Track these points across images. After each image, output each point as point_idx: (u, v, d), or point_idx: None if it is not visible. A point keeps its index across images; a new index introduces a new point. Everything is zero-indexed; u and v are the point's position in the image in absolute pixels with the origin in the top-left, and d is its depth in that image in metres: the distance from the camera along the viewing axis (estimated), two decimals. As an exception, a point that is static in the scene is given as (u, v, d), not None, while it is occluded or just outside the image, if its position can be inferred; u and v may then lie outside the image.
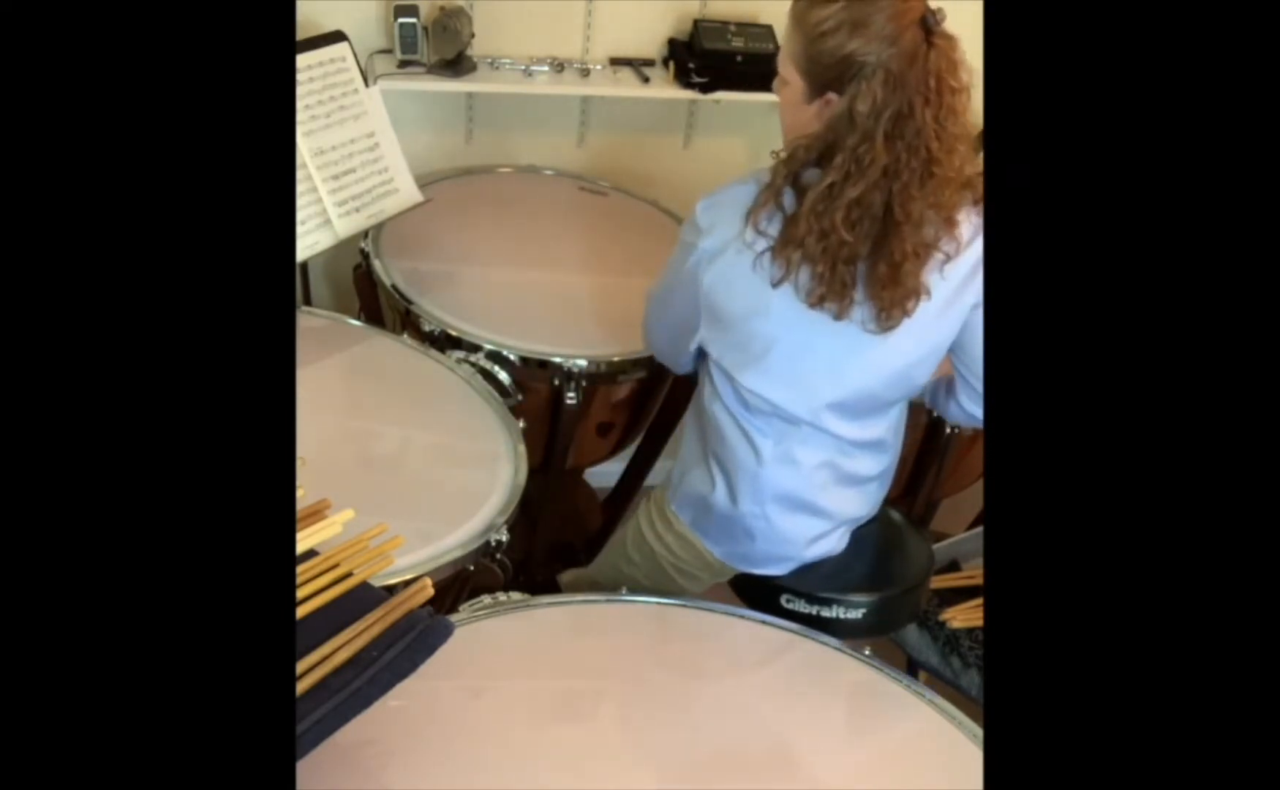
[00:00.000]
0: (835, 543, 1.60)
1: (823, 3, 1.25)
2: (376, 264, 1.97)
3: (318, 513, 1.29)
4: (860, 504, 1.60)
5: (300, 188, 1.79)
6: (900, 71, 1.23)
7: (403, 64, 2.14)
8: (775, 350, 1.39)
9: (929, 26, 1.24)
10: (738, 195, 1.35)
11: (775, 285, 1.32)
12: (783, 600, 1.57)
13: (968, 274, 1.37)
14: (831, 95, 1.27)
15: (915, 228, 1.28)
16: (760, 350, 1.40)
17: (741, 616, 1.48)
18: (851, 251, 1.28)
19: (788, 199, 1.30)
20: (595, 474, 2.41)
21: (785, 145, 1.36)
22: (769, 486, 1.50)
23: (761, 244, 1.32)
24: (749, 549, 1.56)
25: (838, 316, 1.33)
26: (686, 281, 1.43)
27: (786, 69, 1.33)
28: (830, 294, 1.31)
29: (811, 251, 1.29)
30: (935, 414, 1.92)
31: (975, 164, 1.33)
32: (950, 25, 1.27)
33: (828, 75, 1.27)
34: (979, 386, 1.49)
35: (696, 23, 2.25)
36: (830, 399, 1.43)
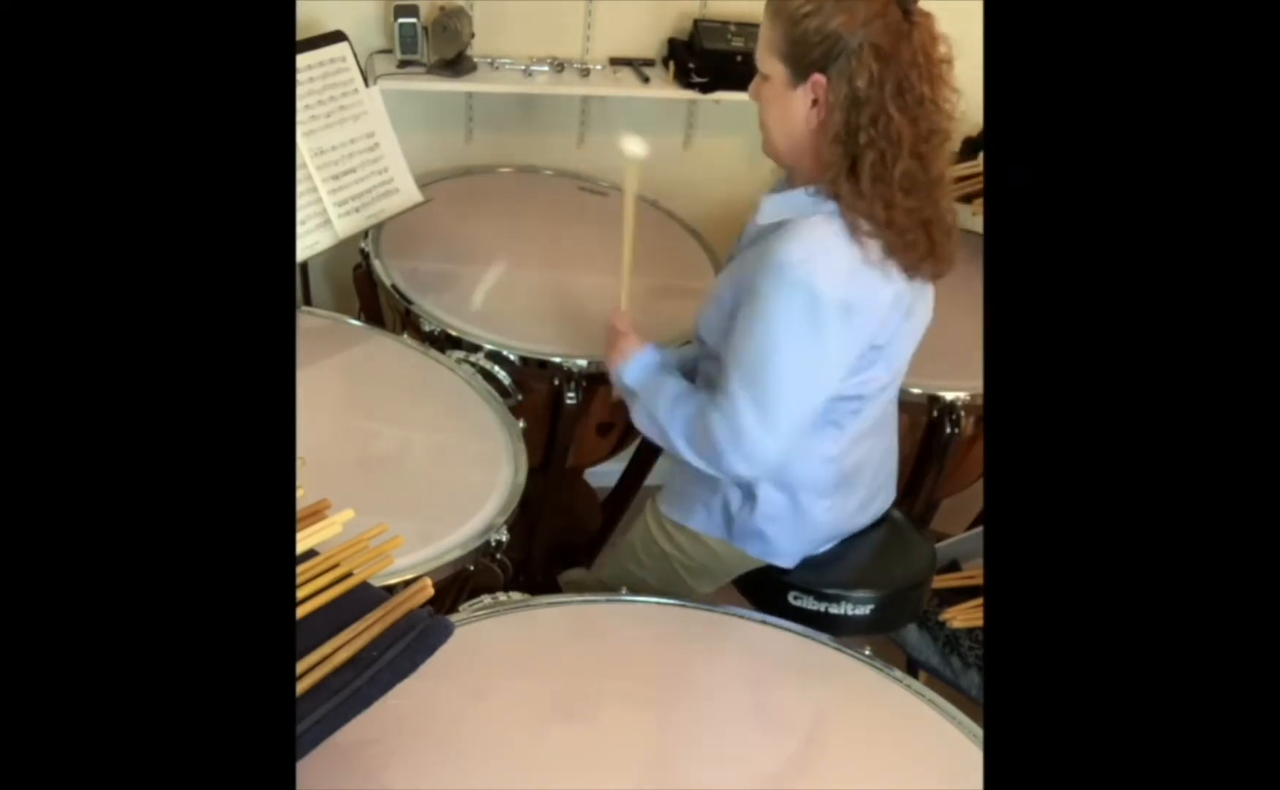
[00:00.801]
0: (865, 512, 1.63)
1: None
2: (376, 264, 1.97)
3: (318, 513, 1.29)
4: (884, 463, 1.62)
5: (300, 188, 1.79)
6: (890, 46, 1.26)
7: (403, 64, 2.14)
8: (901, 333, 1.43)
9: (905, 5, 1.27)
10: (828, 235, 1.32)
11: (911, 276, 1.36)
12: (790, 597, 1.57)
13: None
14: (818, 76, 1.29)
15: (945, 187, 1.35)
16: (890, 342, 1.42)
17: (741, 616, 1.48)
18: (918, 213, 1.32)
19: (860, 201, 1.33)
20: (595, 474, 2.41)
21: (769, 145, 1.39)
22: (828, 472, 1.51)
23: (876, 250, 1.33)
24: (785, 540, 1.56)
25: (934, 276, 1.40)
26: (840, 339, 1.35)
27: (767, 64, 1.34)
28: (924, 257, 1.35)
29: (898, 225, 1.32)
30: (935, 413, 1.93)
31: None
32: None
33: (813, 54, 1.28)
34: None
35: (696, 23, 2.25)
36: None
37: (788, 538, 1.56)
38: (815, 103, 1.31)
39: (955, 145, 1.37)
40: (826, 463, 1.50)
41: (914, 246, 1.33)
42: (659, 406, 1.48)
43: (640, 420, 1.53)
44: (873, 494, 1.62)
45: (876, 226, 1.30)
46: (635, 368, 1.54)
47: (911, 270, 1.36)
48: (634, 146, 1.52)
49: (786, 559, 1.58)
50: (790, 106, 1.33)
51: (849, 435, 1.50)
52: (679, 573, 1.63)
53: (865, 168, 1.29)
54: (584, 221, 2.25)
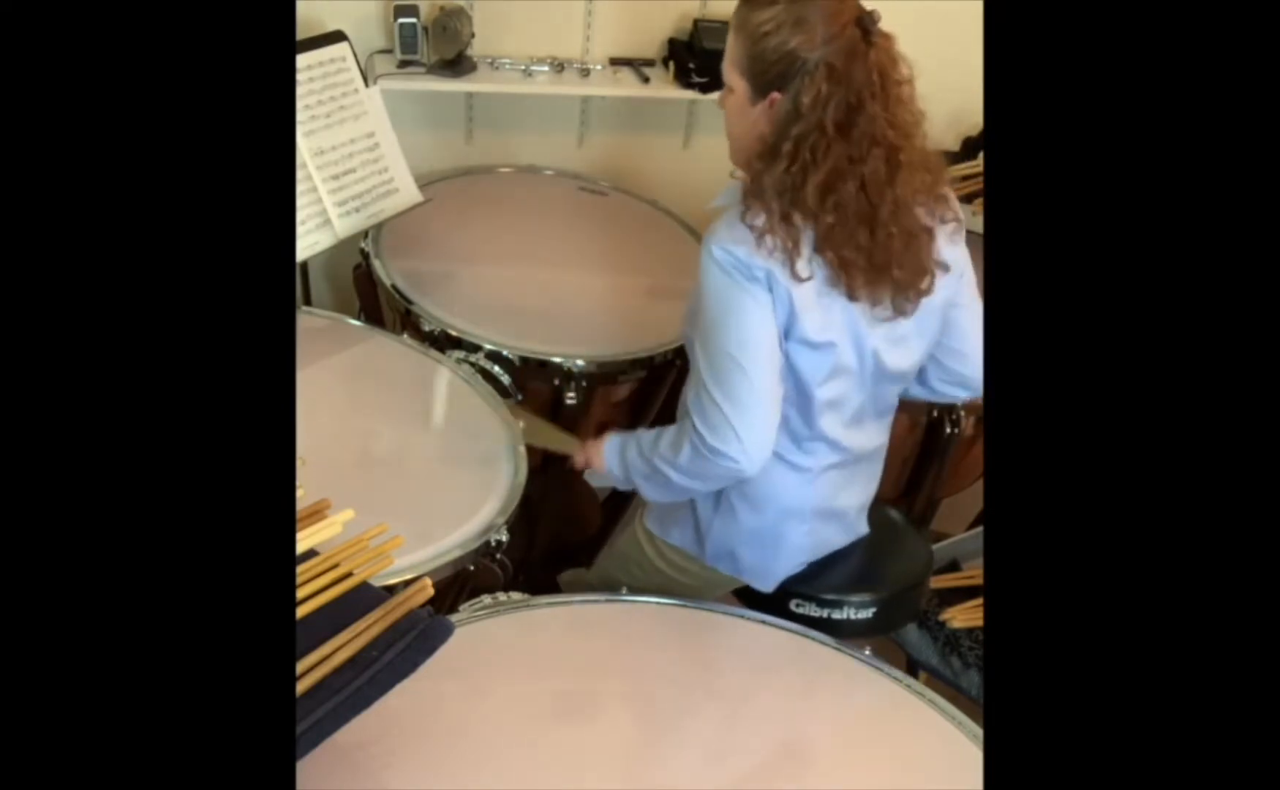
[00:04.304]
0: (849, 533, 1.61)
1: (763, 6, 1.28)
2: (376, 264, 1.97)
3: (318, 513, 1.29)
4: (865, 488, 1.60)
5: (300, 188, 1.80)
6: (844, 67, 1.26)
7: (403, 64, 2.14)
8: (831, 351, 1.39)
9: (865, 26, 1.27)
10: (740, 229, 1.31)
11: (803, 280, 1.30)
12: (792, 605, 1.57)
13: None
14: (775, 94, 1.30)
15: (895, 213, 1.31)
16: (826, 355, 1.39)
17: (741, 617, 1.48)
18: (849, 237, 1.29)
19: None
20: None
21: (734, 154, 1.40)
22: (782, 498, 1.49)
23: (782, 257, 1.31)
24: (760, 562, 1.55)
25: (871, 301, 1.34)
26: (763, 316, 1.32)
27: (730, 75, 1.34)
28: (856, 284, 1.32)
29: (815, 243, 1.30)
30: (935, 413, 1.93)
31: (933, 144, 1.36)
32: (886, 23, 1.30)
33: (771, 73, 1.29)
34: (955, 364, 1.52)
35: (696, 23, 2.25)
36: (871, 387, 1.45)
37: (759, 559, 1.54)
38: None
39: (925, 172, 1.33)
40: (804, 485, 1.48)
41: (843, 266, 1.30)
42: (642, 456, 1.47)
43: (641, 487, 1.51)
44: (855, 518, 1.61)
45: (773, 228, 1.29)
46: (609, 452, 1.55)
47: (846, 290, 1.32)
48: None
49: (761, 581, 1.56)
50: (750, 121, 1.33)
51: (831, 459, 1.47)
52: (673, 588, 1.62)
53: (777, 174, 1.28)
54: (584, 221, 2.26)
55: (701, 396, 1.35)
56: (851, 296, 1.33)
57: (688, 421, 1.38)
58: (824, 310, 1.34)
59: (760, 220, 1.29)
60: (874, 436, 1.54)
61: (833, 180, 1.28)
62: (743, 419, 1.32)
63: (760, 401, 1.33)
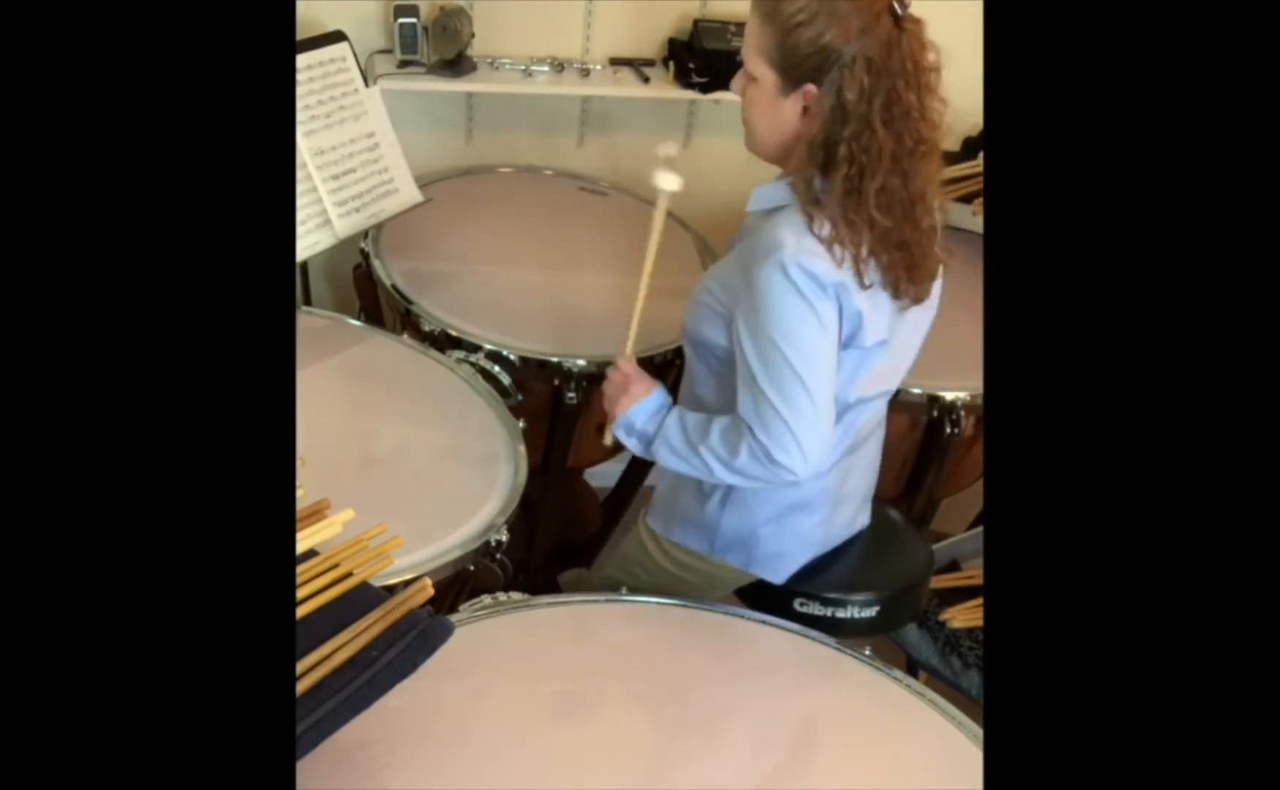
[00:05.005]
0: (851, 526, 1.61)
1: None
2: (376, 264, 1.97)
3: (318, 513, 1.29)
4: (867, 473, 1.60)
5: (300, 188, 1.80)
6: (880, 58, 1.24)
7: (403, 64, 2.14)
8: (882, 349, 1.40)
9: (896, 12, 1.25)
10: (810, 241, 1.30)
11: (867, 288, 1.31)
12: (796, 604, 1.57)
13: None
14: (810, 87, 1.27)
15: (925, 208, 1.32)
16: (873, 355, 1.40)
17: (740, 616, 1.48)
18: (897, 235, 1.30)
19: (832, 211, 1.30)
20: (595, 474, 2.41)
21: (752, 143, 1.38)
22: (794, 489, 1.48)
23: (842, 256, 1.31)
24: (773, 554, 1.55)
25: (916, 299, 1.37)
26: (829, 332, 1.32)
27: (755, 66, 1.31)
28: (901, 281, 1.33)
29: (870, 246, 1.30)
30: (935, 413, 1.93)
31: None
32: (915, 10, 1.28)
33: (805, 66, 1.26)
34: None
35: (696, 23, 2.25)
36: (897, 382, 1.47)
37: (772, 551, 1.54)
38: (806, 110, 1.29)
39: (939, 159, 1.33)
40: (817, 477, 1.47)
41: (891, 267, 1.31)
42: (686, 438, 1.44)
43: (663, 456, 1.47)
44: (859, 508, 1.62)
45: (840, 237, 1.28)
46: (650, 407, 1.49)
47: (891, 289, 1.34)
48: (667, 182, 1.48)
49: (773, 573, 1.56)
50: (780, 113, 1.31)
51: (843, 447, 1.48)
52: (678, 588, 1.62)
53: (838, 180, 1.27)
54: (584, 221, 2.25)
55: (763, 408, 1.33)
56: (896, 296, 1.35)
57: (745, 429, 1.36)
58: (879, 313, 1.35)
59: (827, 230, 1.28)
60: (874, 416, 1.55)
61: (886, 181, 1.27)
62: (806, 432, 1.32)
63: (820, 414, 1.32)
